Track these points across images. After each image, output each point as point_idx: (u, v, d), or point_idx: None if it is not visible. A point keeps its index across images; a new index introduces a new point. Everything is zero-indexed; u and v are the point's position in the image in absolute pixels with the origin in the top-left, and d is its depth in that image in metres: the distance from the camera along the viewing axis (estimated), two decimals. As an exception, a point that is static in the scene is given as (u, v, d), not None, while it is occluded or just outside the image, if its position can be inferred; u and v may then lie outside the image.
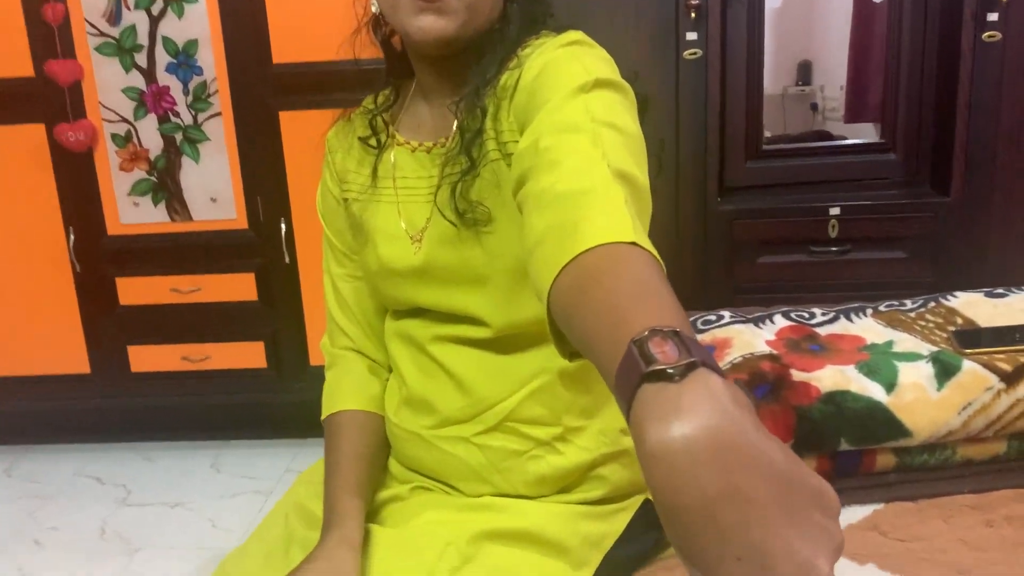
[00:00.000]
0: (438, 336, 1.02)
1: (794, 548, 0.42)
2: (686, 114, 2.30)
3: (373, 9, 1.01)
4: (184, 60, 2.32)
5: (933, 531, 1.08)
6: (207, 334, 2.50)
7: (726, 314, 1.42)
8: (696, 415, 0.42)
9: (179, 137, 2.37)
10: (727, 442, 0.42)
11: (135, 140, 2.38)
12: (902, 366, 1.21)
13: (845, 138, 2.52)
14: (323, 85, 2.23)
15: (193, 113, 2.35)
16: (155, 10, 2.29)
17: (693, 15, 2.21)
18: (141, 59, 2.32)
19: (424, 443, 1.03)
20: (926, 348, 1.25)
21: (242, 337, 2.50)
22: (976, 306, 1.38)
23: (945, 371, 1.19)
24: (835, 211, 2.27)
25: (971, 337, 1.28)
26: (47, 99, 2.33)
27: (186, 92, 2.34)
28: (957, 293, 1.44)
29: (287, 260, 2.42)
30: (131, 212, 2.43)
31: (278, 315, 2.49)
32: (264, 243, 2.42)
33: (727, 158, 2.37)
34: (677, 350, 0.46)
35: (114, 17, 2.30)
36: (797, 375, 1.20)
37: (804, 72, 2.56)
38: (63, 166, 2.39)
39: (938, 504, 1.13)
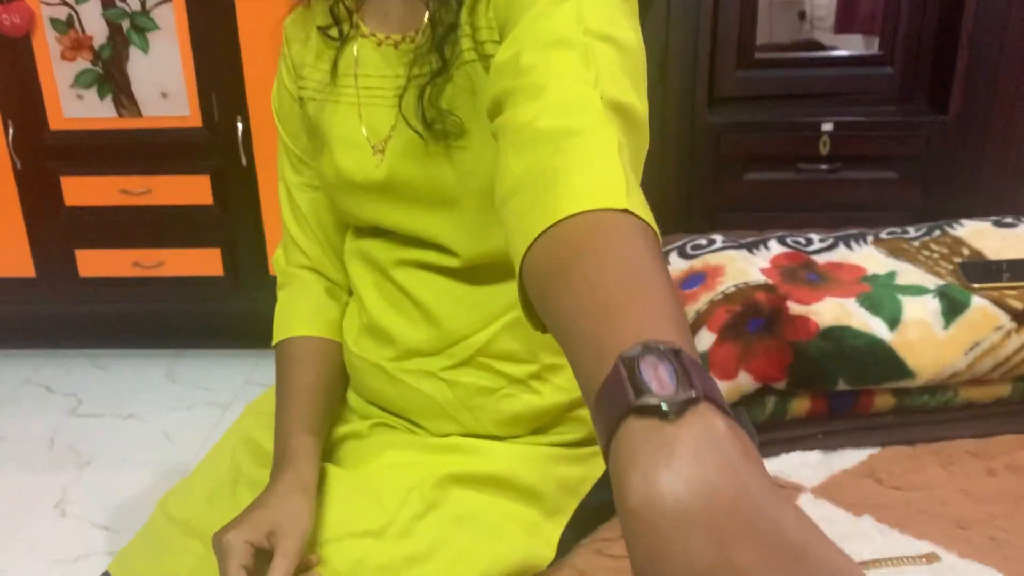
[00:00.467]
0: (402, 260, 0.91)
1: None
2: (677, 18, 2.15)
3: None
4: (130, -63, 2.11)
5: (932, 480, 1.01)
6: (160, 239, 2.36)
7: (717, 238, 1.31)
8: (692, 468, 0.35)
9: (126, 24, 2.18)
10: (727, 505, 0.35)
11: (77, 26, 2.18)
12: (907, 301, 1.12)
13: (836, 48, 2.38)
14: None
15: (141, -3, 2.15)
16: None
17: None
18: (82, -66, 2.11)
19: (386, 376, 0.92)
20: (932, 281, 1.16)
21: (197, 243, 2.37)
22: (984, 236, 1.28)
23: (953, 308, 1.10)
24: (827, 127, 2.16)
25: (979, 270, 1.18)
26: (-22, -23, 2.12)
27: (133, -27, 2.14)
28: (963, 221, 1.34)
29: (244, 162, 2.27)
30: (75, 106, 2.25)
31: (235, 220, 2.35)
32: (219, 143, 2.26)
33: (717, 66, 2.23)
34: (674, 378, 0.38)
35: None
36: (794, 308, 1.11)
37: (793, -23, 2.40)
38: (-2, 52, 2.20)
39: (937, 450, 1.06)
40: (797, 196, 2.28)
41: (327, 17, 0.92)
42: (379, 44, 0.89)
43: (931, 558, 0.88)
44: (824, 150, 2.22)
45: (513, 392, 0.90)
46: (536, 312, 0.54)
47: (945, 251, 1.26)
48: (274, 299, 1.03)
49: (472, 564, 0.86)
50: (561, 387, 0.92)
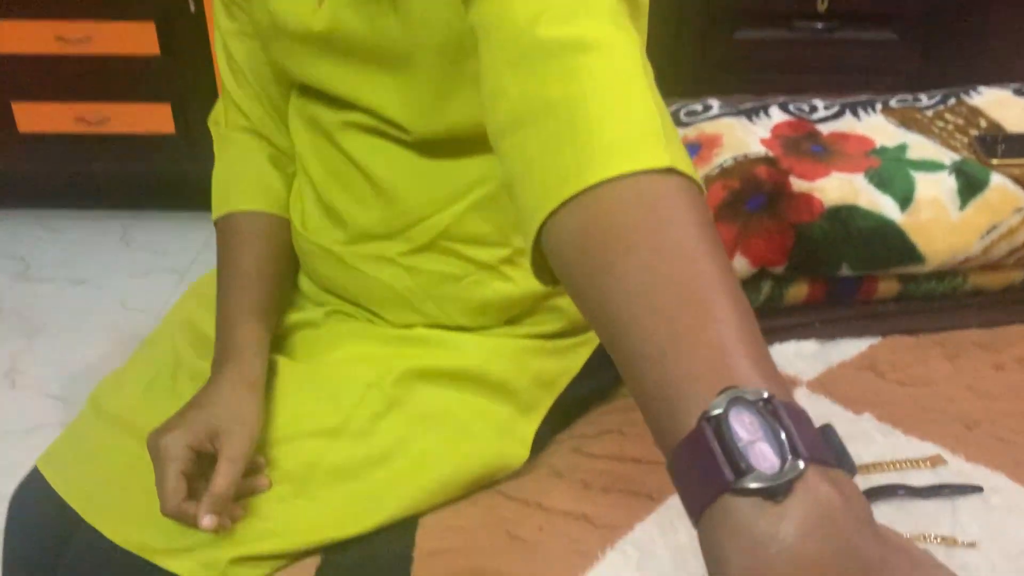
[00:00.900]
0: (350, 123, 0.77)
1: None
2: None
3: None
4: None
5: (937, 374, 0.93)
6: (103, 92, 2.18)
7: (714, 104, 1.18)
8: (804, 548, 0.32)
9: None
10: None
11: None
12: (919, 177, 1.01)
13: None
14: None
15: None
16: None
17: None
18: None
19: (338, 262, 0.81)
20: (947, 156, 1.05)
21: (144, 97, 2.19)
22: (1004, 106, 1.17)
23: (970, 186, 1.00)
24: (828, -19, 2.00)
25: (999, 144, 1.08)
26: None
27: None
28: (981, 89, 1.22)
29: (192, 9, 2.06)
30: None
31: (185, 72, 2.16)
32: (164, -15, 2.05)
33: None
34: (775, 442, 0.34)
35: None
36: (797, 184, 1.00)
37: None
38: None
39: (942, 340, 0.98)
40: (790, 57, 2.16)
41: None
42: None
43: (936, 461, 0.82)
44: (822, 6, 2.07)
45: (482, 279, 0.80)
46: (548, 267, 0.46)
47: (961, 122, 1.15)
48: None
49: (438, 466, 0.78)
50: (538, 274, 0.82)
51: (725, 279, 0.40)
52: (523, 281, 0.81)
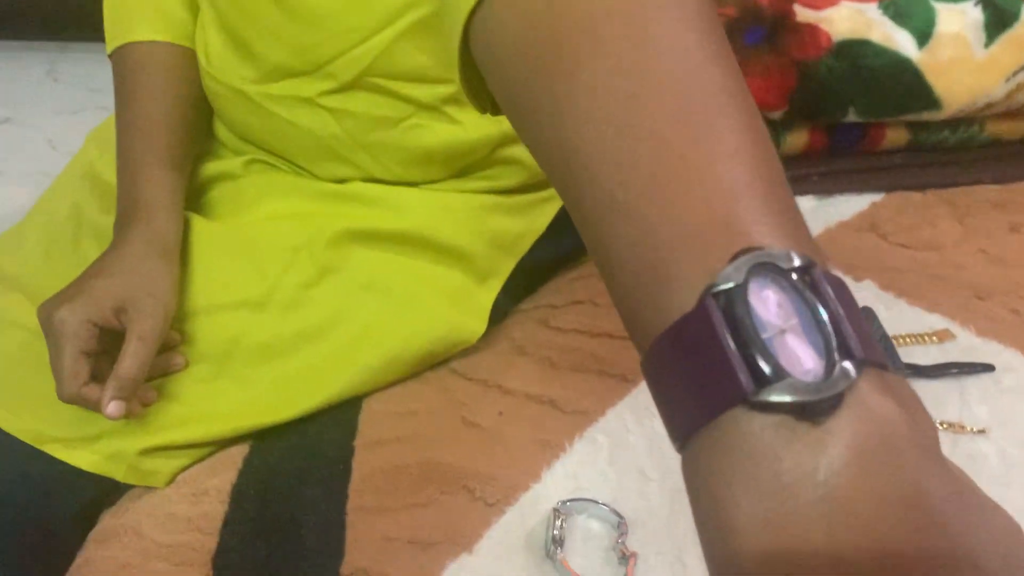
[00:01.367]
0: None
1: None
2: None
3: None
4: None
5: (946, 236, 0.83)
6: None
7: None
8: (860, 500, 0.21)
9: None
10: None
11: None
12: (941, 8, 0.88)
13: None
14: None
15: None
16: None
17: None
18: None
19: (250, 105, 0.68)
20: (974, -17, 0.91)
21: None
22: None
23: (999, 19, 0.87)
24: None
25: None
26: None
27: None
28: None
29: None
30: None
31: None
32: None
33: None
34: (816, 336, 0.23)
35: None
36: (803, 14, 0.86)
37: None
38: None
39: (951, 198, 0.88)
40: None
41: None
42: None
43: (943, 336, 0.73)
44: None
45: (422, 122, 0.67)
46: (485, 86, 0.32)
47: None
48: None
49: (381, 342, 0.68)
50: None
51: (737, 92, 0.27)
52: (473, 125, 0.68)
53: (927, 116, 0.87)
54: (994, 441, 0.64)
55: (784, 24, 0.85)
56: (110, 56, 0.72)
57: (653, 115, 0.25)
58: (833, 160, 0.90)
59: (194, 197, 0.73)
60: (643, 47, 0.26)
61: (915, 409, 0.24)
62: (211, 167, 0.74)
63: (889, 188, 0.89)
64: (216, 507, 0.60)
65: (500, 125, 0.70)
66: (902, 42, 0.86)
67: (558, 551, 0.56)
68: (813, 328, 0.23)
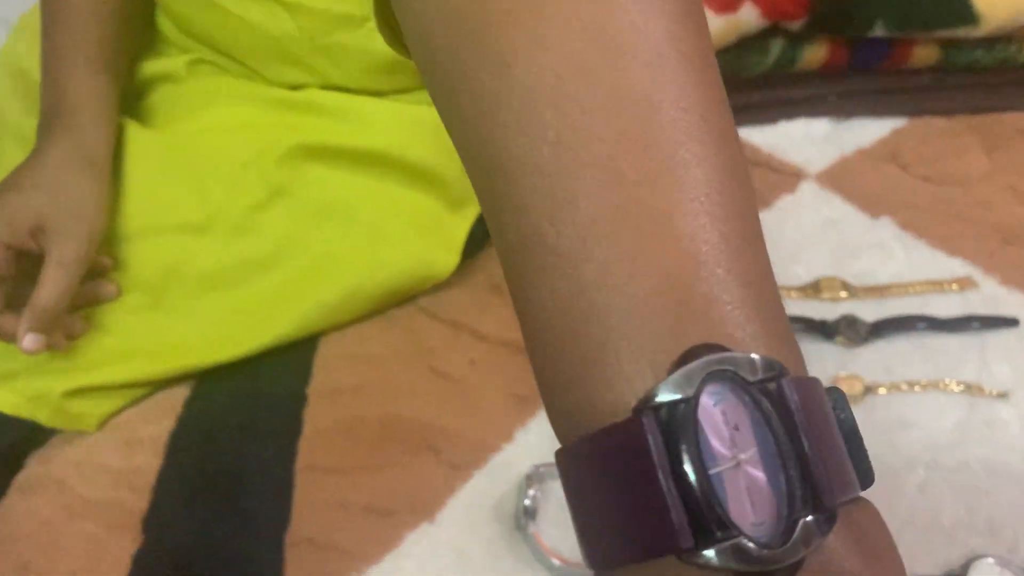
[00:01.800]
0: None
1: None
2: None
3: None
4: None
5: (972, 169, 0.75)
6: None
7: None
8: None
9: None
10: None
11: None
12: (988, -92, 0.77)
13: None
14: None
15: None
16: None
17: None
18: None
19: (196, -4, 0.58)
20: None
21: None
22: None
23: (1052, -77, 0.76)
24: None
25: None
26: None
27: None
28: None
29: None
30: None
31: None
32: None
33: None
34: (776, 473, 0.18)
35: None
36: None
37: None
38: None
39: (980, 126, 0.79)
40: None
41: None
42: None
43: (964, 284, 0.66)
44: None
45: None
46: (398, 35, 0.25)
47: None
48: None
49: (339, 274, 0.60)
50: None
51: (714, 107, 0.20)
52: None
53: (962, 32, 0.78)
54: (1015, 406, 0.58)
55: (810, -80, 0.74)
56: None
57: (602, 135, 0.19)
58: (853, 79, 0.81)
59: (132, 101, 0.64)
60: (599, 38, 0.20)
61: (884, 554, 0.19)
62: (151, 66, 0.64)
63: (912, 113, 0.80)
64: (150, 460, 0.54)
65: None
66: (941, -54, 0.76)
67: (530, 523, 0.50)
68: (774, 462, 0.18)
